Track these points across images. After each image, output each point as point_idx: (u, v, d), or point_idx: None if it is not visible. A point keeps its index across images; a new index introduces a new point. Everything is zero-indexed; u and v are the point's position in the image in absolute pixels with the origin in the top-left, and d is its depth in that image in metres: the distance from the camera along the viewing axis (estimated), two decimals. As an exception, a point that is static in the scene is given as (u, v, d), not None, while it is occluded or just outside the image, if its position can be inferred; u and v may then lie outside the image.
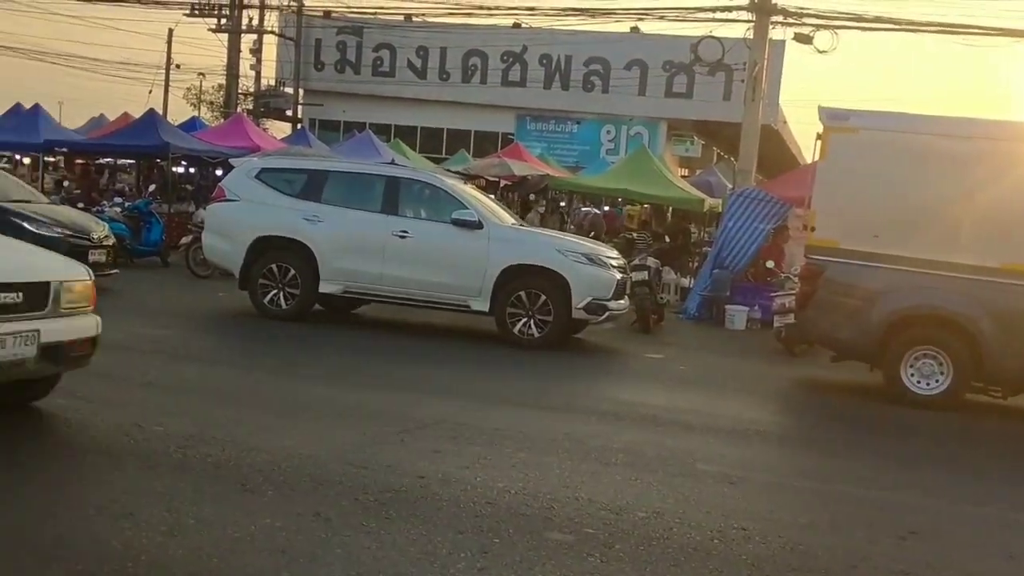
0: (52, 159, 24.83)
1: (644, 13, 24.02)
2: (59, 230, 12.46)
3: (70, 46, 60.99)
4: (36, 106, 24.09)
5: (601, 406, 7.94)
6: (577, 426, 6.98)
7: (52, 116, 25.16)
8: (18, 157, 26.95)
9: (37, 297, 5.38)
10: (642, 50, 35.79)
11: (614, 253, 11.63)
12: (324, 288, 11.01)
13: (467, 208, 10.87)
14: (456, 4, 25.58)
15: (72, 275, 5.79)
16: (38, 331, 5.31)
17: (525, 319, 10.57)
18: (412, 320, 11.97)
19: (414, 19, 34.08)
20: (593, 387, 9.25)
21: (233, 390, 7.36)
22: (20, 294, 5.27)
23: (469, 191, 12.06)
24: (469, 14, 26.57)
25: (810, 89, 67.85)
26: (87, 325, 5.79)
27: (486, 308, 10.69)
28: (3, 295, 5.18)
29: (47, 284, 5.45)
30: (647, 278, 13.27)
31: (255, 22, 33.70)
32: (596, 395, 8.69)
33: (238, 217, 11.44)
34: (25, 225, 12.22)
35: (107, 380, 7.23)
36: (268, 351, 9.59)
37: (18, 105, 25.70)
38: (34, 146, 22.44)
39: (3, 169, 20.89)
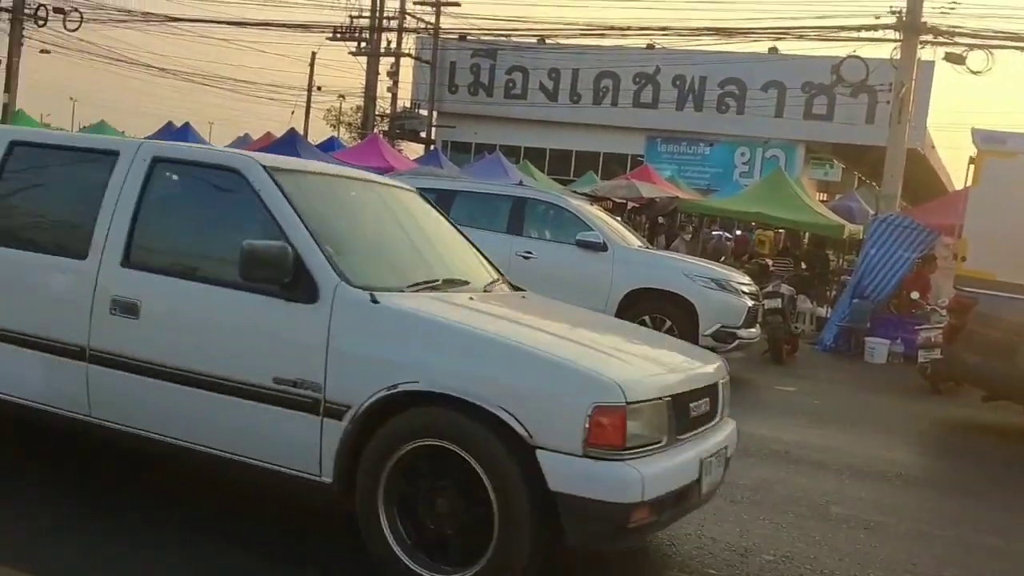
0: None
1: (784, 33, 23.40)
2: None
3: (220, 68, 64.18)
4: (186, 125, 25.37)
5: (728, 439, 7.58)
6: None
7: (201, 135, 26.42)
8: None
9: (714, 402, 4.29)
10: (780, 70, 34.93)
11: (745, 279, 11.22)
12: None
13: (592, 229, 10.71)
14: (588, 25, 25.58)
15: (722, 368, 4.55)
16: (726, 447, 4.28)
17: (650, 345, 10.27)
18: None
19: (547, 41, 34.34)
20: (720, 418, 8.87)
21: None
22: (707, 400, 4.18)
23: (594, 212, 11.90)
24: (602, 35, 26.52)
25: (961, 111, 64.82)
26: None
27: (610, 331, 10.44)
28: (698, 402, 4.06)
29: (715, 385, 4.33)
30: (781, 306, 12.76)
31: (393, 45, 34.62)
32: (723, 426, 8.32)
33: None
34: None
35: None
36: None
37: (169, 124, 27.13)
38: (183, 163, 23.52)
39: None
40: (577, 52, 35.64)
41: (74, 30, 25.76)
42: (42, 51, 29.36)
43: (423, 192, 11.47)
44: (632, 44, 33.46)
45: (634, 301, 10.34)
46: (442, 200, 11.40)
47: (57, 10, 25.27)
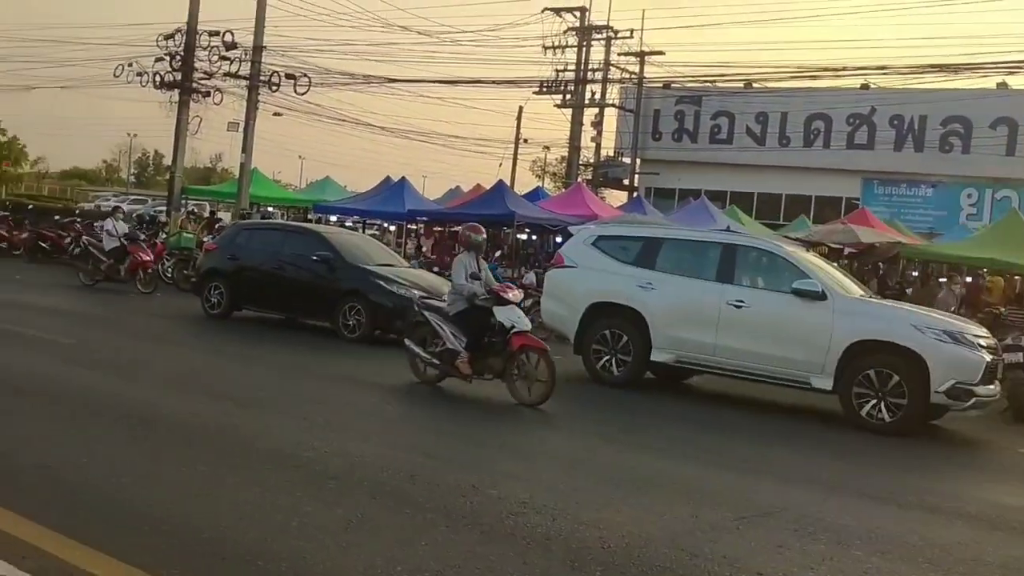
0: (414, 227, 27.20)
1: (1016, 66, 21.74)
2: (415, 292, 13.41)
3: (434, 125, 67.23)
4: (403, 179, 26.61)
5: (967, 508, 6.93)
6: (938, 530, 6.13)
7: (416, 188, 27.63)
8: (385, 224, 29.82)
9: None
10: (1011, 106, 32.55)
11: (983, 331, 10.31)
12: (656, 356, 10.82)
13: (809, 277, 10.22)
14: (800, 68, 24.76)
15: None
16: None
17: (874, 401, 9.62)
18: (747, 394, 11.41)
19: (754, 85, 33.64)
20: (955, 484, 8.17)
21: (565, 455, 7.33)
22: None
23: (811, 259, 11.39)
24: (814, 77, 25.62)
25: None
26: None
27: (829, 386, 9.90)
28: None
29: None
30: (1022, 360, 11.66)
31: (597, 97, 34.99)
32: (959, 494, 7.64)
33: (574, 283, 11.64)
34: (386, 286, 13.32)
35: (450, 437, 7.54)
36: (599, 417, 9.52)
37: (388, 178, 28.55)
38: (399, 215, 24.73)
39: (372, 236, 23.19)
40: (785, 95, 34.70)
41: (303, 94, 27.69)
42: (275, 114, 31.76)
43: (626, 239, 11.65)
44: (844, 85, 32.22)
45: (856, 354, 9.73)
46: (649, 247, 11.35)
47: (289, 76, 27.27)
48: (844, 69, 24.04)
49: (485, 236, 10.18)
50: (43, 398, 7.61)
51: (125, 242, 17.64)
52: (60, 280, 18.85)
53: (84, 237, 19.12)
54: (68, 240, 21.99)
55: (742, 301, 10.40)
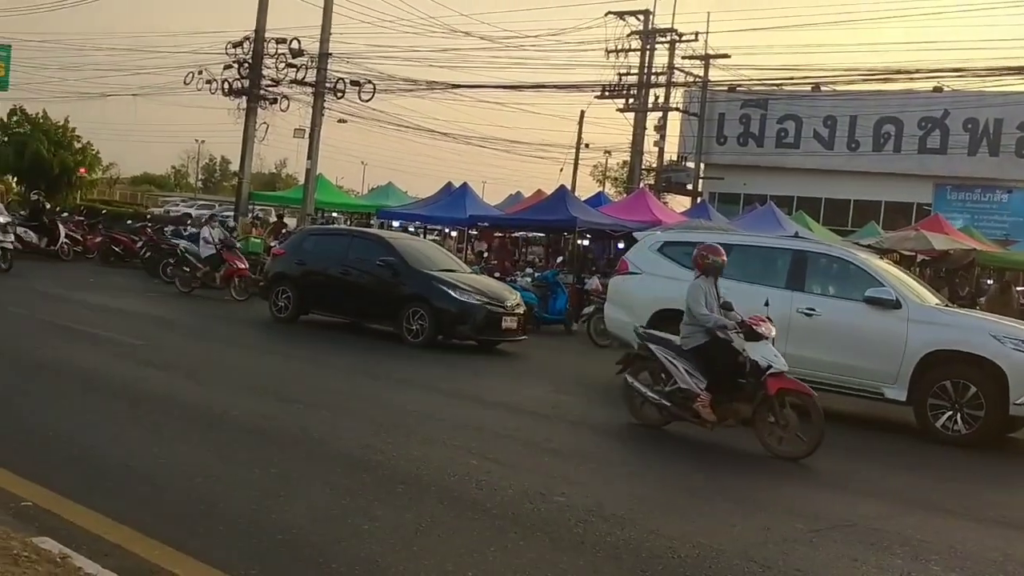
0: (475, 232, 27.32)
1: (1099, 66, 21.01)
2: (479, 297, 13.48)
3: (495, 130, 67.63)
4: (464, 185, 26.75)
5: (1051, 523, 6.71)
6: (1020, 547, 5.94)
7: (477, 194, 27.76)
8: (447, 230, 30.02)
9: None
10: (1093, 108, 31.55)
11: (1064, 341, 9.97)
12: (723, 365, 10.66)
13: (883, 285, 9.99)
14: (871, 71, 24.27)
15: None
16: None
17: (950, 412, 9.37)
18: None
19: (822, 88, 33.08)
20: (1038, 498, 7.90)
21: (633, 464, 7.27)
22: None
23: (884, 266, 11.12)
24: (886, 79, 25.10)
25: None
26: None
27: (903, 397, 9.67)
28: None
29: None
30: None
31: (661, 100, 34.74)
32: (1043, 508, 7.39)
33: (639, 290, 11.55)
34: (449, 291, 13.39)
35: (516, 442, 7.53)
36: (667, 426, 9.41)
37: (449, 184, 28.72)
38: (461, 221, 24.86)
39: (434, 241, 23.36)
40: (855, 98, 34.09)
41: (367, 100, 28.04)
42: (340, 120, 32.16)
43: (693, 245, 11.49)
44: (916, 88, 31.50)
45: (932, 365, 9.49)
46: (716, 254, 11.18)
47: (354, 83, 27.63)
48: (917, 71, 23.47)
49: (725, 259, 8.88)
50: (120, 399, 7.80)
51: (221, 249, 17.87)
52: (132, 283, 19.33)
53: (181, 244, 19.43)
54: (140, 244, 22.54)
55: (813, 309, 10.21)
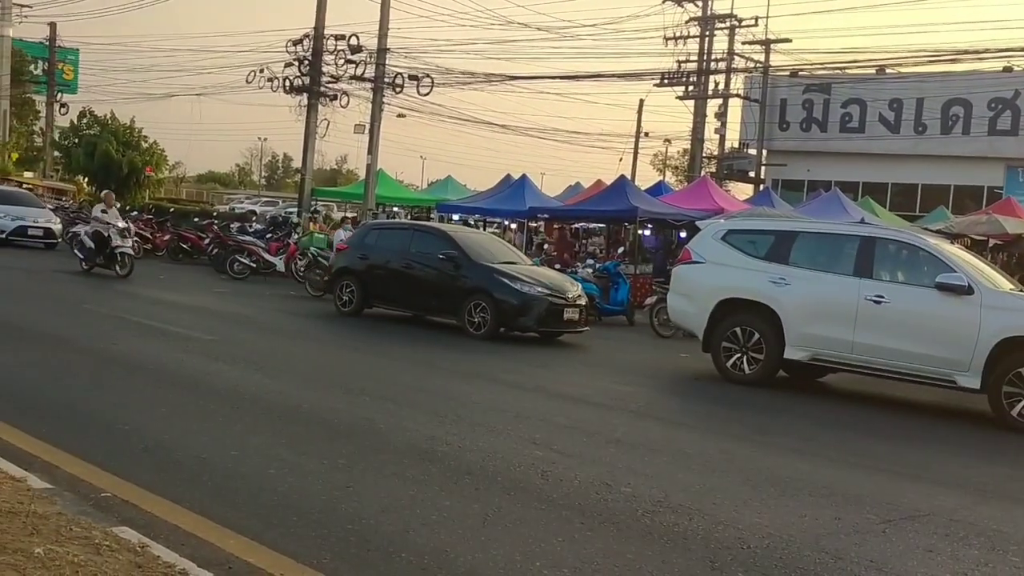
0: (535, 224, 27.31)
1: None
2: (540, 289, 13.49)
3: (553, 121, 67.48)
4: (523, 177, 26.76)
5: None
6: (1106, 537, 5.74)
7: (536, 185, 27.74)
8: (507, 222, 30.07)
9: None
10: None
11: None
12: (790, 354, 10.54)
13: (954, 271, 9.75)
14: (937, 51, 23.65)
15: None
16: None
17: (1027, 400, 9.12)
18: (887, 393, 10.99)
19: (887, 71, 32.36)
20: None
21: (698, 454, 7.21)
22: None
23: (955, 251, 10.86)
24: (953, 60, 24.43)
25: None
26: None
27: (977, 385, 9.43)
28: None
29: None
30: None
31: (721, 87, 34.31)
32: None
33: (703, 279, 11.44)
34: (510, 284, 13.43)
35: (580, 433, 7.52)
36: (731, 416, 9.34)
37: (508, 176, 28.76)
38: (520, 213, 24.87)
39: (494, 234, 23.42)
40: (921, 80, 33.29)
41: (426, 94, 28.21)
42: (399, 115, 32.44)
43: (757, 233, 11.34)
44: (985, 68, 30.60)
45: (1006, 351, 9.23)
46: (781, 241, 11.05)
47: (412, 77, 27.81)
48: (986, 51, 22.80)
49: None
50: (192, 392, 7.99)
51: None
52: (200, 279, 19.75)
53: (312, 248, 19.64)
54: (207, 241, 23.02)
55: (882, 296, 10.00)
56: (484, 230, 25.91)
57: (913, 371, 9.86)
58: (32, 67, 46.27)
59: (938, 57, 24.34)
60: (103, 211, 18.74)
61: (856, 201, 26.22)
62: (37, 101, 48.06)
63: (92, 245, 18.16)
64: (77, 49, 47.01)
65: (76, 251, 19.05)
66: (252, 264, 20.35)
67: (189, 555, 4.12)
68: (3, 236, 23.38)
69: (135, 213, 27.46)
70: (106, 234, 18.04)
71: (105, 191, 23.71)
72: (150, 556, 4.00)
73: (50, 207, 27.55)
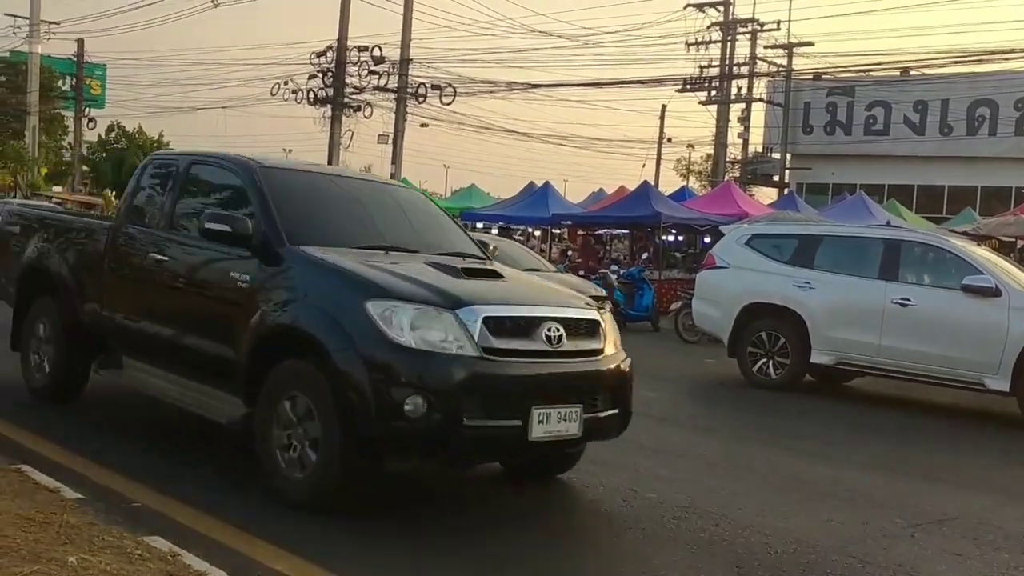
0: (558, 231, 27.37)
1: None
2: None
3: (575, 128, 67.56)
4: (546, 184, 26.81)
5: None
6: None
7: (559, 192, 27.79)
8: (530, 229, 30.14)
9: None
10: None
11: None
12: (816, 358, 10.49)
13: (981, 272, 9.68)
14: (963, 52, 23.48)
15: None
16: None
17: (1058, 402, 9.03)
18: (914, 397, 10.91)
19: (912, 73, 32.14)
20: None
21: (724, 460, 7.20)
22: None
23: (982, 253, 10.77)
24: (979, 61, 24.21)
25: None
26: None
27: (1006, 387, 9.34)
28: None
29: None
30: None
31: (743, 91, 34.22)
32: None
33: (728, 284, 11.42)
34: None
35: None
36: (757, 421, 9.31)
37: (531, 184, 28.81)
38: (543, 219, 24.92)
39: (517, 240, 23.46)
40: (947, 81, 33.02)
41: (448, 103, 28.36)
42: (422, 125, 32.61)
43: (782, 237, 11.30)
44: (1013, 68, 30.32)
45: (1038, 353, 9.15)
46: (806, 245, 11.02)
47: (434, 87, 27.99)
48: (1012, 51, 22.56)
49: None
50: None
51: None
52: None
53: None
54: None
55: (908, 299, 9.94)
56: (511, 237, 25.93)
57: (940, 374, 9.79)
58: (60, 83, 46.98)
59: (964, 58, 24.13)
60: None
61: (882, 204, 26.03)
62: (65, 116, 48.77)
63: None
64: (104, 64, 47.66)
65: None
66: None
67: (220, 564, 4.16)
68: None
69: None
70: None
71: None
72: (181, 564, 4.06)
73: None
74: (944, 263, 10.19)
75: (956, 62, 24.83)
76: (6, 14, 49.78)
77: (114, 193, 43.32)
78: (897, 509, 5.93)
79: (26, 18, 41.11)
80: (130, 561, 4.00)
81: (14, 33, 41.52)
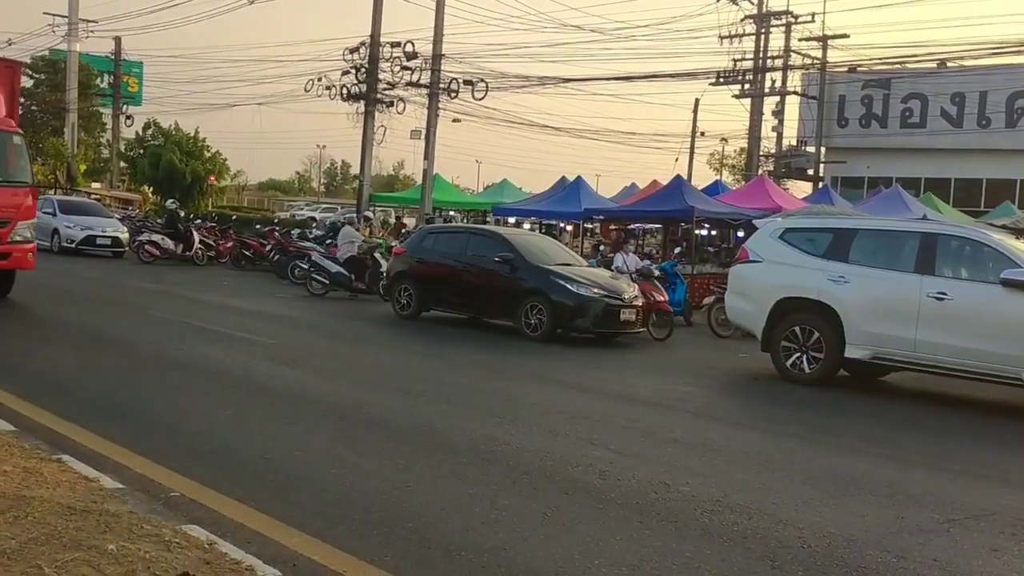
0: (590, 225, 27.29)
1: None
2: (596, 290, 13.50)
3: (608, 123, 67.33)
4: (578, 178, 26.75)
5: None
6: None
7: (591, 187, 27.72)
8: (562, 224, 30.09)
9: None
10: None
11: None
12: (850, 353, 10.39)
13: (1020, 266, 9.53)
14: (1001, 43, 23.09)
15: None
16: None
17: (1099, 398, 8.89)
18: (951, 392, 10.78)
19: (949, 64, 31.68)
20: None
21: (758, 454, 7.16)
22: None
23: (1021, 246, 10.60)
24: (1018, 51, 23.83)
25: None
26: None
27: (1045, 382, 9.21)
28: None
29: None
30: None
31: (778, 84, 33.90)
32: None
33: (761, 278, 11.34)
34: (567, 285, 13.45)
35: (638, 433, 7.53)
36: (792, 416, 9.24)
37: (563, 178, 28.77)
38: (575, 214, 24.87)
39: (550, 235, 23.45)
40: (984, 73, 32.48)
41: (481, 98, 28.40)
42: (454, 120, 32.65)
43: (816, 231, 11.20)
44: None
45: (1077, 348, 9.00)
46: (840, 239, 10.91)
47: (467, 82, 28.03)
48: (1052, 41, 22.17)
49: None
50: (256, 395, 8.17)
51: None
52: (263, 285, 20.10)
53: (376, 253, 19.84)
54: (268, 248, 23.43)
55: (944, 293, 9.82)
56: (541, 231, 25.91)
57: (977, 369, 9.66)
58: (98, 81, 47.62)
59: (1002, 49, 23.75)
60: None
61: (918, 197, 25.72)
62: (104, 114, 49.45)
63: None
64: (141, 62, 48.25)
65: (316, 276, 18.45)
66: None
67: (255, 552, 4.23)
68: (72, 245, 24.09)
69: (198, 221, 28.08)
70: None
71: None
72: (218, 553, 4.12)
73: (117, 216, 28.32)
74: (982, 256, 10.04)
75: (993, 53, 24.46)
76: (45, 13, 50.45)
77: (151, 189, 43.88)
78: (933, 504, 5.87)
79: (65, 17, 41.68)
80: (168, 549, 4.07)
81: (53, 32, 42.14)
